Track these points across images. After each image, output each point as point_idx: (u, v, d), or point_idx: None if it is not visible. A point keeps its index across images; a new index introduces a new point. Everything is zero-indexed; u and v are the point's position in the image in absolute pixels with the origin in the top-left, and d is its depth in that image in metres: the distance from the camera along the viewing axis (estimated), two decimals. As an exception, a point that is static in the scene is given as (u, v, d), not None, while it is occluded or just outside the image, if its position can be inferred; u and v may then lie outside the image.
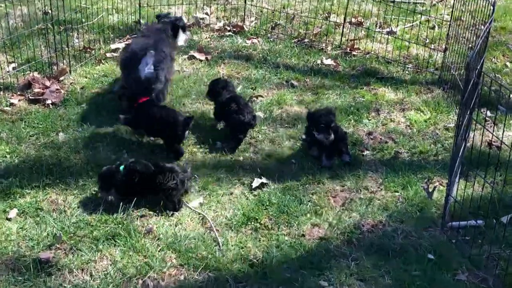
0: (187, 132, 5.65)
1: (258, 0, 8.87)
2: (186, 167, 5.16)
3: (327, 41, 7.99)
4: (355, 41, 7.98)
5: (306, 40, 8.07)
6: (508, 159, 5.51)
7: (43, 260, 4.38)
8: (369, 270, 4.46)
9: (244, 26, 8.30)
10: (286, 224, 4.89)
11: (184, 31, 6.80)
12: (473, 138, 5.73)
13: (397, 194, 5.31)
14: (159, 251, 4.54)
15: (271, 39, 8.08)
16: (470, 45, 6.37)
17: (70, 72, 6.88)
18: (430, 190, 5.27)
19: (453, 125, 6.14)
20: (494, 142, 5.93)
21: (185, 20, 7.10)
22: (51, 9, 6.78)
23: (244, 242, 4.69)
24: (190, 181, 5.23)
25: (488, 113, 6.44)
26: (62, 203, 4.97)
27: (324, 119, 5.62)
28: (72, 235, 4.64)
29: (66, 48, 6.97)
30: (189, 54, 7.50)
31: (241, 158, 5.68)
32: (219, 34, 8.16)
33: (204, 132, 6.00)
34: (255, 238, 4.74)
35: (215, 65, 7.35)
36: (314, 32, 8.19)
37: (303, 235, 4.80)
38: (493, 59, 7.74)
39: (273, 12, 8.58)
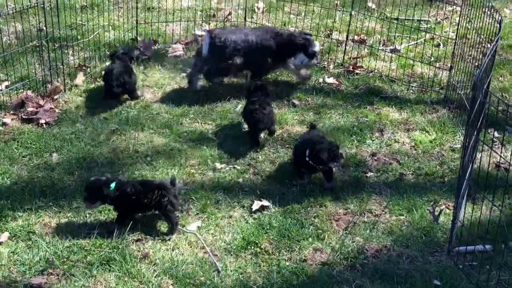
0: (119, 89, 6.55)
1: (258, 17, 8.81)
2: (174, 181, 5.00)
3: (329, 59, 7.90)
4: (358, 59, 7.88)
5: (307, 58, 7.95)
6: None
7: (35, 286, 4.33)
8: (373, 298, 4.34)
9: (245, 44, 8.17)
10: (287, 249, 4.80)
11: (307, 54, 6.98)
12: (480, 159, 5.60)
13: (402, 217, 5.19)
14: (155, 276, 4.46)
15: (272, 57, 7.95)
16: (476, 64, 6.25)
17: (65, 91, 6.82)
18: (436, 213, 5.15)
19: (460, 146, 6.04)
20: (502, 163, 5.80)
21: (317, 48, 7.13)
22: (45, 25, 6.70)
23: (243, 268, 4.60)
24: (186, 204, 5.12)
25: (496, 134, 6.32)
26: (55, 227, 4.91)
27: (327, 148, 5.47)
28: (65, 259, 4.57)
29: (61, 66, 6.91)
30: (188, 72, 7.38)
31: (240, 180, 5.57)
32: (219, 51, 8.04)
33: (202, 153, 5.89)
34: (255, 263, 4.66)
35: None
36: (315, 49, 8.08)
37: (305, 260, 4.70)
38: (500, 78, 7.63)
39: (274, 29, 8.47)
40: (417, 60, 7.70)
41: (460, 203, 4.80)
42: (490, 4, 5.94)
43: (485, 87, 4.60)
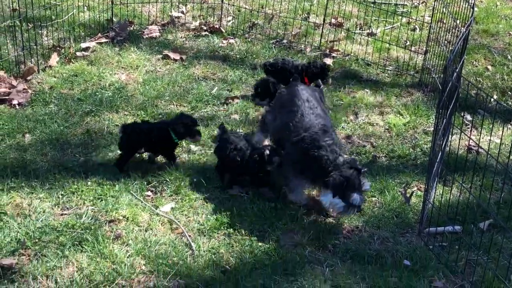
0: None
1: (237, -2, 8.78)
2: None
3: (306, 42, 7.90)
4: (335, 42, 7.89)
5: (284, 41, 7.97)
6: (485, 163, 5.46)
7: (6, 266, 4.25)
8: (344, 277, 4.37)
9: (221, 26, 8.16)
10: (261, 230, 4.79)
11: None
12: (450, 142, 5.66)
13: (374, 199, 5.23)
14: (127, 257, 4.43)
15: (249, 40, 7.96)
16: (451, 48, 6.29)
17: (38, 71, 6.74)
18: (408, 195, 5.20)
19: (433, 129, 6.06)
20: (473, 146, 5.85)
21: None
22: (19, 5, 6.60)
23: (216, 248, 4.60)
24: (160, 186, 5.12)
25: (468, 117, 6.37)
26: (27, 207, 4.84)
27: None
28: (37, 240, 4.52)
29: (35, 47, 6.81)
30: (164, 53, 7.35)
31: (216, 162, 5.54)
32: (195, 33, 8.04)
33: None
34: (228, 243, 4.66)
35: (190, 65, 7.23)
36: (293, 32, 8.09)
37: (277, 241, 4.70)
38: (475, 62, 7.68)
39: (251, 11, 8.47)
40: (393, 44, 7.73)
41: (431, 185, 4.85)
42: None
43: (456, 70, 4.63)
